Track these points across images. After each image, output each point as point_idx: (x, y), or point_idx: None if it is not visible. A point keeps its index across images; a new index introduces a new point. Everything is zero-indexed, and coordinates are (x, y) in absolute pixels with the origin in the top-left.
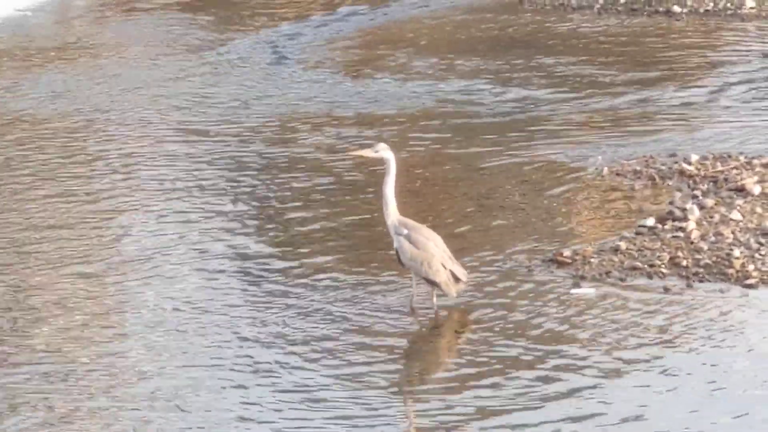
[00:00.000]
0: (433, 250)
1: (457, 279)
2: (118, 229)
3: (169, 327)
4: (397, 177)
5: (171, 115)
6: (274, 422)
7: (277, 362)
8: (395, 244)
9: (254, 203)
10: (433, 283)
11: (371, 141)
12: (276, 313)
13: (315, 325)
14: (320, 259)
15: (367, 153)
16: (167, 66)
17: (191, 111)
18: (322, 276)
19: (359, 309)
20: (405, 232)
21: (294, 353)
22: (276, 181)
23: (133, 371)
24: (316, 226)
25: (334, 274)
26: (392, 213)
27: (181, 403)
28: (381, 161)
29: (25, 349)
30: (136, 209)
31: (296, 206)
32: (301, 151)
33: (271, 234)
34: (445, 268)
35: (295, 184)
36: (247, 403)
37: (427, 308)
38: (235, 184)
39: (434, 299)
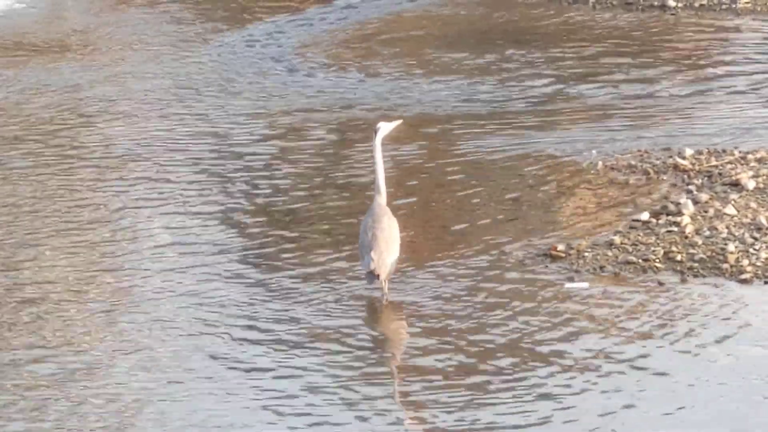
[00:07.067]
0: (362, 240)
1: (374, 276)
2: (109, 221)
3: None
4: (392, 172)
5: (161, 108)
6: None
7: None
8: None
9: (246, 195)
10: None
11: (367, 137)
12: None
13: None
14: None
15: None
16: (158, 59)
17: (184, 104)
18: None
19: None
20: (367, 214)
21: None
22: (272, 172)
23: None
24: (309, 215)
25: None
26: (380, 194)
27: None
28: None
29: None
30: (127, 203)
31: (288, 199)
32: (297, 146)
33: (261, 223)
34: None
35: (291, 177)
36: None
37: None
38: (228, 175)
39: (385, 288)
